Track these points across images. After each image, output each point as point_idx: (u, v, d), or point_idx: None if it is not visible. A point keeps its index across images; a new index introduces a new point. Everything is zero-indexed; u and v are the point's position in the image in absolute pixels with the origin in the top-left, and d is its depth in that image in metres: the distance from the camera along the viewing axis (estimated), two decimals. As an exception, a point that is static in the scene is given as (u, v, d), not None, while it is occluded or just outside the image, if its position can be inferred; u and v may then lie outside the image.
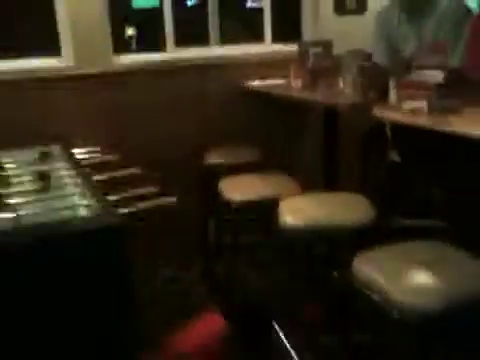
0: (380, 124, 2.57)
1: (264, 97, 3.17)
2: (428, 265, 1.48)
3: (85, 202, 1.71)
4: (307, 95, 2.85)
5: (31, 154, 2.46)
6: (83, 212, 1.66)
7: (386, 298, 1.41)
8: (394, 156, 2.90)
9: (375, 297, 1.46)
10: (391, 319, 1.39)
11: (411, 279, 1.44)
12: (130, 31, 4.73)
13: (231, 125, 3.30)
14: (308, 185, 2.61)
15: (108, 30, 3.16)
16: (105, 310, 1.52)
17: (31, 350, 1.43)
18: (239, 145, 3.17)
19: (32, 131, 2.86)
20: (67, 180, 2.07)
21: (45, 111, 3.04)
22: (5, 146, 2.49)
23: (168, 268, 3.07)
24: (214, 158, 3.11)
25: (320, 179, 3.27)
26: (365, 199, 2.15)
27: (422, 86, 2.10)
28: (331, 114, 2.99)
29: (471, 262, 1.55)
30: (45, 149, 2.50)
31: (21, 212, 1.60)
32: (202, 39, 3.60)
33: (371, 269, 1.52)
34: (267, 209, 2.32)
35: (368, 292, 1.50)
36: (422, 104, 2.00)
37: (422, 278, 1.43)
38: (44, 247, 1.41)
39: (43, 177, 2.04)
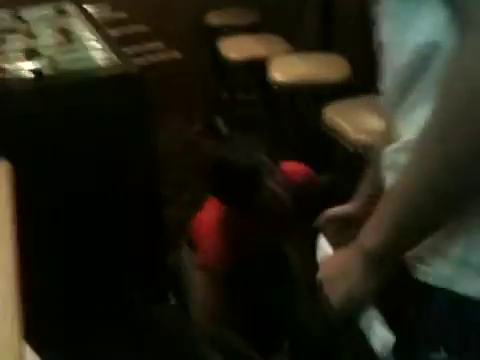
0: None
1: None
2: (380, 113, 1.85)
3: (105, 54, 2.03)
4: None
5: (47, 10, 2.72)
6: (104, 62, 1.99)
7: (344, 137, 1.82)
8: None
9: (337, 137, 1.87)
10: (347, 152, 1.81)
11: (363, 122, 1.84)
12: None
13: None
14: (302, 47, 2.86)
15: None
16: (129, 144, 1.85)
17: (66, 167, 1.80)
18: (240, 6, 3.34)
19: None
20: (85, 34, 2.37)
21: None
22: (20, 3, 2.74)
23: (175, 120, 3.33)
24: (215, 19, 3.32)
25: (315, 43, 3.50)
26: (345, 61, 2.46)
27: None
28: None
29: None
30: (60, 5, 2.76)
31: (54, 61, 1.92)
32: None
33: (335, 115, 1.91)
34: (261, 67, 2.62)
35: (332, 133, 1.90)
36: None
37: (372, 122, 1.83)
38: (78, 90, 1.73)
39: (64, 31, 2.34)
